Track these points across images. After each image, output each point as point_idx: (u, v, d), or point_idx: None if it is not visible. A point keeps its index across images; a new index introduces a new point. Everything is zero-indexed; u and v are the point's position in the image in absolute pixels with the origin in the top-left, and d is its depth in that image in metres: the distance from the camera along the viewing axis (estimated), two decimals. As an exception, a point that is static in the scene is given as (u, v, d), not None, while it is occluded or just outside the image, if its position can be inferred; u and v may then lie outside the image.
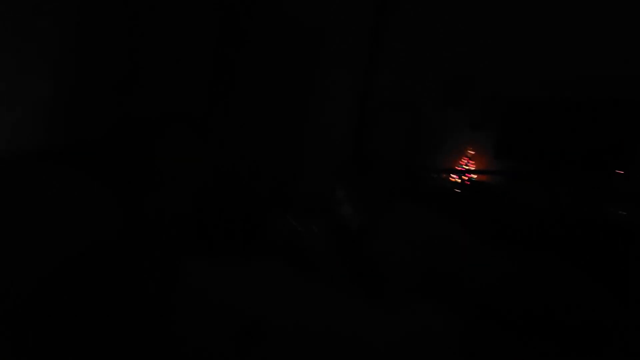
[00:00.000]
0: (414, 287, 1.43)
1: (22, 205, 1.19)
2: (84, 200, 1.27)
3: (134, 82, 2.44)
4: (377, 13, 3.69)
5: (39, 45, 2.22)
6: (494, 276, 1.59)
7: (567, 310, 1.43)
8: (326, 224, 1.96)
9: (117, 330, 1.06)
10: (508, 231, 2.26)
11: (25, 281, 1.07)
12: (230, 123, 2.93)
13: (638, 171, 2.40)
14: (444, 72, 3.41)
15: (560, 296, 1.49)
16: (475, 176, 3.05)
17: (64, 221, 1.20)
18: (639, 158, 2.42)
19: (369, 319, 1.18)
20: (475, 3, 3.28)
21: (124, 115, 2.30)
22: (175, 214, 1.64)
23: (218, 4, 2.81)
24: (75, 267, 1.16)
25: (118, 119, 2.22)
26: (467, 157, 3.16)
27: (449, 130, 3.39)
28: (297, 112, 3.46)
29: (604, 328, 1.28)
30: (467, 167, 3.10)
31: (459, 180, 3.03)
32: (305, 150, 3.48)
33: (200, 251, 1.51)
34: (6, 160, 1.62)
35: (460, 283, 1.47)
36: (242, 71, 3.00)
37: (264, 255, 1.69)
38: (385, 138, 3.47)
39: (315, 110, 3.54)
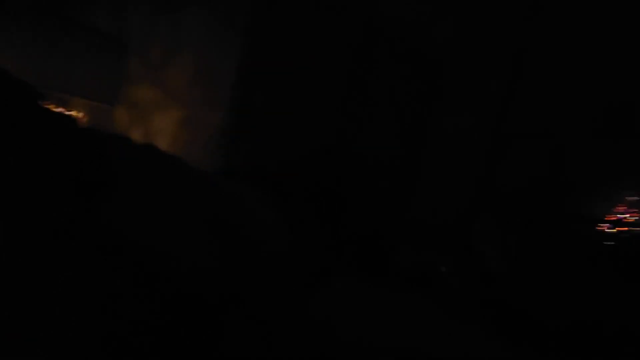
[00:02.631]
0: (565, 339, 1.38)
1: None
2: (266, 211, 1.56)
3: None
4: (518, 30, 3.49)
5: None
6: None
7: None
8: (455, 259, 1.98)
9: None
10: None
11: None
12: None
13: None
14: (600, 98, 3.03)
15: None
16: (632, 228, 2.63)
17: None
18: None
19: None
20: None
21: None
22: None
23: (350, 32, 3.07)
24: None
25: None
26: (625, 204, 2.75)
27: (601, 169, 3.00)
28: (417, 139, 3.50)
29: None
30: (625, 217, 2.70)
31: (614, 231, 2.66)
32: (423, 177, 3.49)
33: (341, 272, 1.69)
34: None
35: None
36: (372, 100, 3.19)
37: (393, 281, 1.80)
38: (524, 170, 3.24)
39: (438, 138, 3.52)
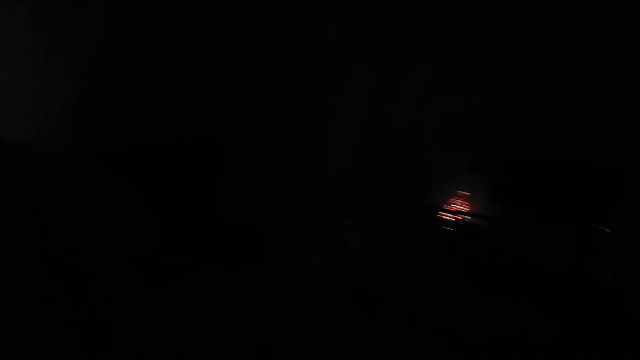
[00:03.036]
0: (410, 318, 1.56)
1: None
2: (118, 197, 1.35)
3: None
4: (392, 48, 3.90)
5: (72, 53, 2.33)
6: (478, 319, 1.73)
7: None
8: (327, 248, 2.08)
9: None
10: (491, 275, 2.41)
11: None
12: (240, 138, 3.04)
13: (622, 233, 2.59)
14: (451, 112, 3.61)
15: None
16: (469, 217, 3.22)
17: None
18: (624, 221, 2.62)
19: (366, 342, 1.29)
20: (494, 54, 3.51)
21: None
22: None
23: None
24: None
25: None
26: (461, 198, 3.34)
27: (448, 169, 3.58)
28: (301, 132, 3.59)
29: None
30: (461, 208, 3.28)
31: (453, 220, 3.20)
32: (306, 171, 3.60)
33: (207, 263, 1.60)
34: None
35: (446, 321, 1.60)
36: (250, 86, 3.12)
37: (264, 270, 1.79)
38: (389, 171, 3.63)
39: (321, 133, 3.69)
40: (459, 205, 3.30)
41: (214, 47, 2.81)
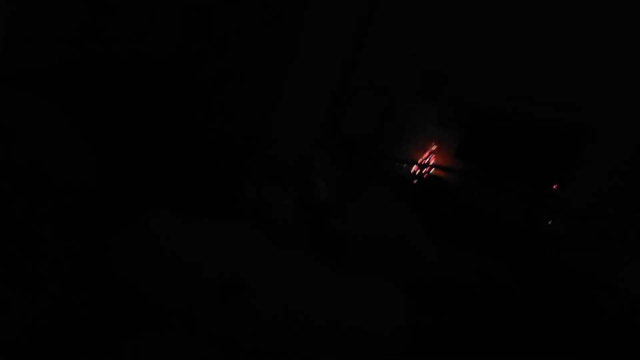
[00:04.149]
0: (370, 260, 1.61)
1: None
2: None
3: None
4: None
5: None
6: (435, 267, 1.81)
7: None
8: (293, 192, 2.06)
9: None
10: (452, 226, 2.52)
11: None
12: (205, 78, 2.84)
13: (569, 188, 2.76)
14: (423, 64, 3.54)
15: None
16: (433, 170, 3.28)
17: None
18: (573, 176, 2.77)
19: (326, 279, 1.33)
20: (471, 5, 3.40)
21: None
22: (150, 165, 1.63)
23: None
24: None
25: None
26: (429, 151, 3.38)
27: (417, 122, 3.57)
28: (273, 76, 3.43)
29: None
30: (428, 162, 3.33)
31: (418, 172, 3.26)
32: (277, 116, 3.49)
33: (170, 206, 1.54)
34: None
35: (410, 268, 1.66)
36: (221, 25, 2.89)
37: (232, 218, 1.75)
38: (359, 120, 3.59)
39: (293, 79, 3.54)
40: (425, 158, 3.35)
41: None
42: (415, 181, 3.18)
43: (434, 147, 3.38)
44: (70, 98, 1.48)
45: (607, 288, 1.88)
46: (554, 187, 2.77)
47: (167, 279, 1.10)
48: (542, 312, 1.59)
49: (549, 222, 2.52)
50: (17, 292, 0.94)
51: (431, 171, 3.28)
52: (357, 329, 1.17)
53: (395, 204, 2.11)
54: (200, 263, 1.15)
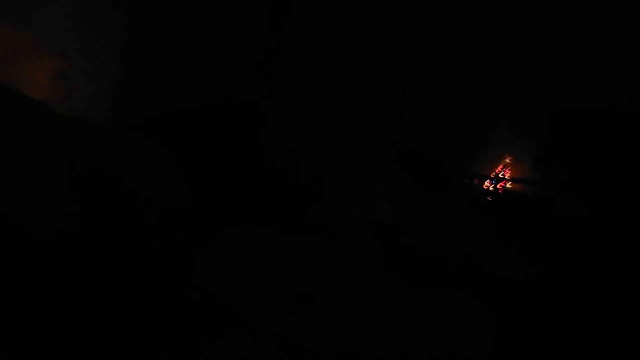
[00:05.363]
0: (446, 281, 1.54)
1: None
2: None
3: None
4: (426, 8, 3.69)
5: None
6: (522, 282, 1.66)
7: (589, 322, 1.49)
8: (364, 212, 2.07)
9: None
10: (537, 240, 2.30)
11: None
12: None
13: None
14: (492, 71, 3.37)
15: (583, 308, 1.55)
16: (509, 185, 3.06)
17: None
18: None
19: (402, 302, 1.30)
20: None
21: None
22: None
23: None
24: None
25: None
26: (503, 164, 3.17)
27: (488, 134, 3.39)
28: (340, 93, 3.50)
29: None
30: (502, 175, 3.11)
31: (492, 188, 3.06)
32: (343, 136, 3.54)
33: (249, 223, 1.65)
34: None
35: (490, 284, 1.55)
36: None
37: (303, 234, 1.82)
38: (424, 136, 3.51)
39: (356, 100, 3.61)
40: (501, 174, 3.15)
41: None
42: (489, 197, 2.99)
43: (508, 160, 3.16)
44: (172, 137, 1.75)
45: None
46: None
47: (244, 290, 1.18)
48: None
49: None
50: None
51: (507, 185, 3.06)
52: (437, 347, 1.12)
53: (466, 221, 2.02)
54: (274, 275, 1.21)
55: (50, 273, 1.00)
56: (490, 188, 3.06)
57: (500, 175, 3.10)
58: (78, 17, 2.47)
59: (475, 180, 3.11)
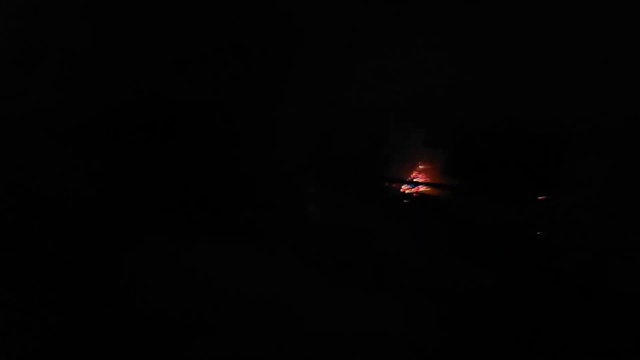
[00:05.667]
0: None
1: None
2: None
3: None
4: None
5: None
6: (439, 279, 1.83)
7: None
8: (289, 214, 2.10)
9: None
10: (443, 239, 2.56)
11: None
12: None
13: (556, 200, 2.83)
14: (411, 87, 3.66)
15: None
16: (422, 188, 3.34)
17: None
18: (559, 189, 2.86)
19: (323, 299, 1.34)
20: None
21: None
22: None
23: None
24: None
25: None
26: (417, 170, 3.45)
27: (406, 144, 3.66)
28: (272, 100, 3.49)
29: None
30: (416, 180, 3.39)
31: (407, 191, 3.31)
32: (273, 143, 3.53)
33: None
34: None
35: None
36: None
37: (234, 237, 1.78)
38: (350, 143, 3.67)
39: (286, 107, 3.63)
40: (415, 179, 3.42)
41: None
42: (405, 200, 3.24)
43: (422, 167, 3.45)
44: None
45: (598, 290, 1.91)
46: (541, 198, 2.85)
47: (187, 294, 1.12)
48: (535, 316, 1.61)
49: (538, 233, 2.58)
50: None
51: (421, 189, 3.34)
52: (360, 334, 1.18)
53: (386, 220, 2.16)
54: (205, 277, 1.17)
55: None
56: (407, 191, 3.32)
57: (414, 180, 3.39)
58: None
59: (393, 185, 3.34)
